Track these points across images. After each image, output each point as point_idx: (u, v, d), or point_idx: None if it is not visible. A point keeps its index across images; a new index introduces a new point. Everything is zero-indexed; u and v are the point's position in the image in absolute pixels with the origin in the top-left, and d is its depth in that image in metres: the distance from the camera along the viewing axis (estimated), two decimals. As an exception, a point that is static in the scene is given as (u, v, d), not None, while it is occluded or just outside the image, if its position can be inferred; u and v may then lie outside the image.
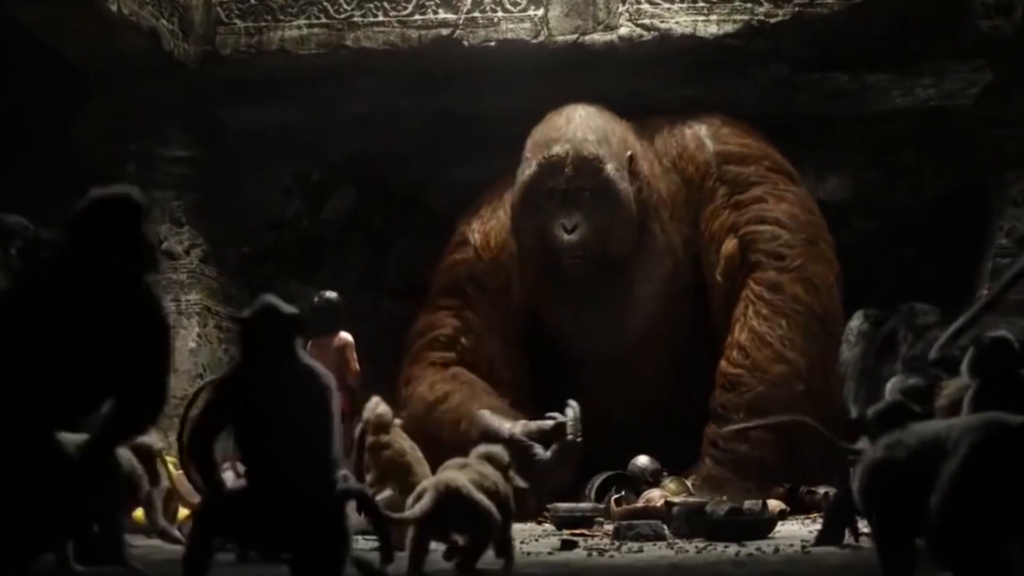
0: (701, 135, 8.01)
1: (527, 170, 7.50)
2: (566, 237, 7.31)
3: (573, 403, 7.03)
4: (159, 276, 8.25)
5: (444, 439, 7.19)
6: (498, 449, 3.98)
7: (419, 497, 3.72)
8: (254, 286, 9.20)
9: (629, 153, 7.61)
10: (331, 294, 7.37)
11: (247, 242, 9.52)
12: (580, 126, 7.53)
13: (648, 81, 8.38)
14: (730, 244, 7.71)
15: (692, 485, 7.16)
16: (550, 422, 7.05)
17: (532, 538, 5.34)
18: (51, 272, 3.56)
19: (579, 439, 6.95)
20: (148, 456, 5.09)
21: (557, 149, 7.43)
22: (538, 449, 6.98)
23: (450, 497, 3.66)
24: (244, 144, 9.00)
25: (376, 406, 5.05)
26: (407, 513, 3.63)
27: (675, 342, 7.82)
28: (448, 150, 9.21)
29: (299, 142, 9.31)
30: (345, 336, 7.19)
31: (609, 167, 7.43)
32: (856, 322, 6.33)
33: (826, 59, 8.47)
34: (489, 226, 8.14)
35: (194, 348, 8.30)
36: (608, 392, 7.68)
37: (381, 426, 5.01)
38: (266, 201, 9.73)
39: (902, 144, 9.34)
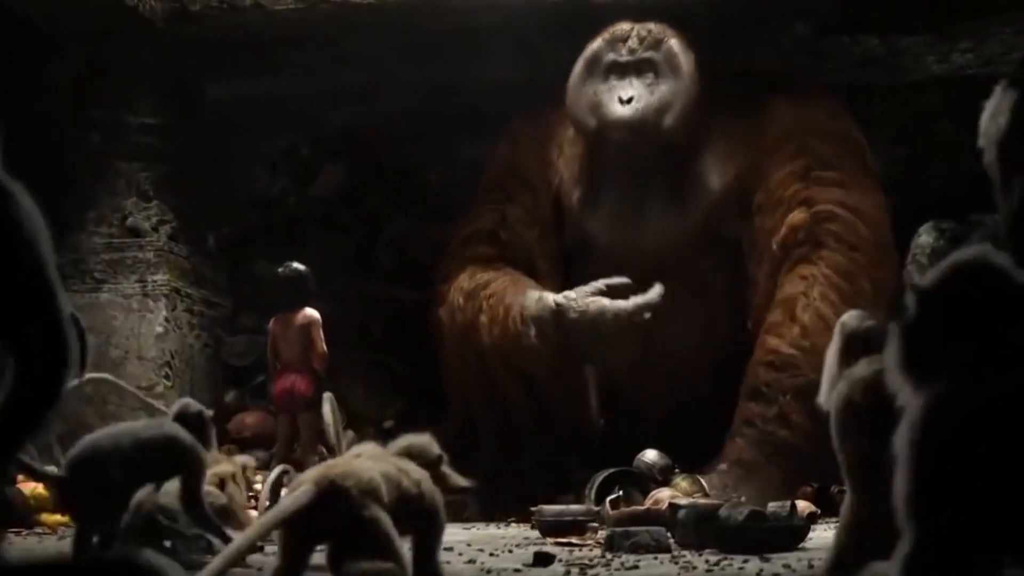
0: (790, 97, 7.56)
1: (590, 47, 7.31)
2: (620, 108, 7.03)
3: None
4: (123, 255, 7.71)
5: (483, 323, 7.10)
6: (423, 440, 3.05)
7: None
8: (233, 267, 8.68)
9: (694, 55, 7.28)
10: (298, 265, 6.65)
11: (228, 221, 8.91)
12: (650, 19, 7.36)
13: None
14: (799, 215, 7.17)
15: (719, 470, 6.44)
16: (602, 283, 6.83)
17: (505, 548, 4.46)
18: None
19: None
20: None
21: (623, 26, 7.28)
22: (603, 301, 6.74)
23: (333, 497, 2.66)
24: (227, 116, 8.39)
25: None
26: (272, 512, 2.73)
27: (707, 303, 7.35)
28: (447, 126, 8.66)
29: (287, 115, 8.74)
30: (311, 313, 6.46)
31: (674, 42, 7.21)
32: (927, 238, 5.46)
33: (855, 19, 7.79)
34: (539, 121, 7.83)
35: (161, 333, 7.62)
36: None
37: None
38: (250, 177, 9.21)
39: (936, 116, 8.66)
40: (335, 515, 2.70)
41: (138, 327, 7.56)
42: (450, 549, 4.09)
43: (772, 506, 5.04)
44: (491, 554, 4.12)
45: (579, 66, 7.23)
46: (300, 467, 6.05)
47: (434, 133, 8.83)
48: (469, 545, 4.29)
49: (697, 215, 7.29)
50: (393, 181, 9.30)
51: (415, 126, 8.76)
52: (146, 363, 7.52)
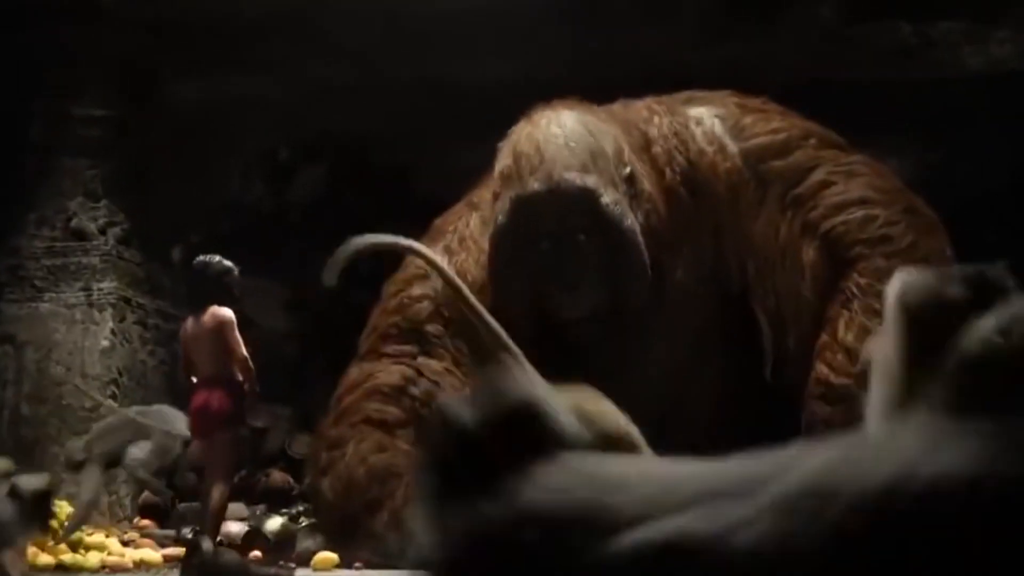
0: (717, 132, 6.20)
1: (500, 215, 5.77)
2: (567, 300, 5.65)
3: None
4: (66, 260, 7.04)
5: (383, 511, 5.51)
6: None
7: None
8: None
9: (628, 170, 5.89)
10: (221, 259, 5.80)
11: (196, 229, 8.26)
12: (560, 147, 5.77)
13: (667, 34, 7.23)
14: (811, 250, 5.99)
15: None
16: None
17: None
18: None
19: None
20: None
21: (534, 185, 5.64)
22: None
23: None
24: (197, 114, 7.81)
25: None
26: None
27: (721, 358, 6.15)
28: (437, 127, 8.10)
29: (263, 114, 8.15)
30: (221, 312, 5.51)
31: (606, 198, 5.67)
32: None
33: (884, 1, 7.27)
34: (460, 260, 6.25)
35: (107, 348, 6.90)
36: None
37: None
38: (222, 182, 8.62)
39: (975, 115, 8.01)
40: None
41: (82, 340, 6.86)
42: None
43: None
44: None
45: (495, 246, 5.82)
46: (204, 500, 5.23)
47: (423, 135, 8.26)
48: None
49: (687, 344, 6.12)
50: (378, 186, 8.65)
51: (403, 127, 8.22)
52: (90, 382, 6.80)
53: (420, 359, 6.06)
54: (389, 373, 6.03)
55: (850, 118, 6.87)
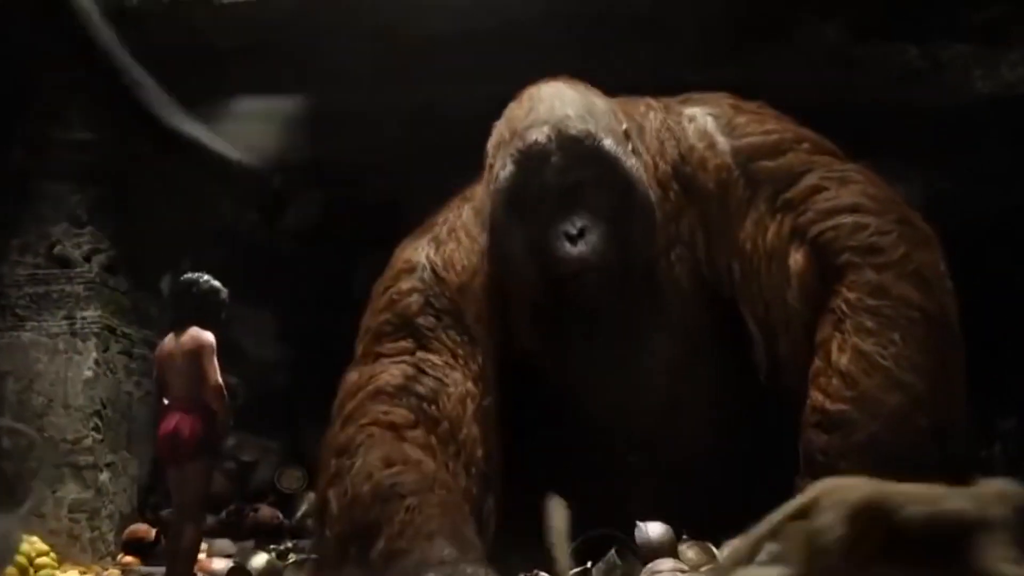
0: (709, 129, 6.07)
1: (501, 173, 5.64)
2: (574, 249, 5.47)
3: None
4: (48, 288, 6.81)
5: (380, 538, 5.18)
6: None
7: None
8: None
9: (624, 127, 5.82)
10: (204, 277, 5.60)
11: (186, 258, 8.05)
12: (556, 103, 5.68)
13: (669, 55, 7.04)
14: (798, 256, 5.76)
15: None
16: None
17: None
18: None
19: None
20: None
21: (535, 136, 5.56)
22: None
23: None
24: (187, 139, 7.51)
25: None
26: None
27: (713, 364, 5.99)
28: (432, 154, 7.74)
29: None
30: (200, 334, 5.29)
31: (608, 142, 5.59)
32: None
33: (892, 23, 7.06)
34: (449, 249, 6.14)
35: (90, 378, 6.66)
36: (622, 478, 5.90)
37: None
38: (214, 210, 8.36)
39: (984, 139, 7.80)
40: None
41: (64, 371, 6.64)
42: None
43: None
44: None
45: (496, 203, 5.71)
46: (174, 536, 4.98)
47: (417, 163, 8.03)
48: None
49: (682, 334, 5.98)
50: (371, 215, 8.44)
51: (396, 155, 8.06)
52: (72, 413, 6.60)
53: (419, 354, 5.88)
54: (390, 373, 5.83)
55: (856, 141, 6.72)
